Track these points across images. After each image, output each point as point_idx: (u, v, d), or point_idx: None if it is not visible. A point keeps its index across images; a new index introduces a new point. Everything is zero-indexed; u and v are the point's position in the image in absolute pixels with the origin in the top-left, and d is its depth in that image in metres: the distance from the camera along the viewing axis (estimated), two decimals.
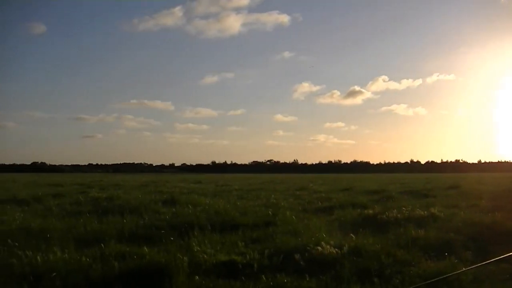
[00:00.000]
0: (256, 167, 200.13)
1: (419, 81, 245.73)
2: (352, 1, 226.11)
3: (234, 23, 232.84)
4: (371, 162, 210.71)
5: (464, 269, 6.72)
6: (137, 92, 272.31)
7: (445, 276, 6.24)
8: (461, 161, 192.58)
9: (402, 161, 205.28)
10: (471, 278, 6.64)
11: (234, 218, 13.09)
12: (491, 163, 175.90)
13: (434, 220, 12.32)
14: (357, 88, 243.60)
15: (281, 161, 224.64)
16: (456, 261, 7.72)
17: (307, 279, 6.87)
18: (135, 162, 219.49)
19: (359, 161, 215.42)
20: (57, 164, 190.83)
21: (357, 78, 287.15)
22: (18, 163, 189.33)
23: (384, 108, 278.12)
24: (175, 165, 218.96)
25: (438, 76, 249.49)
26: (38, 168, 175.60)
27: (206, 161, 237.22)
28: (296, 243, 9.05)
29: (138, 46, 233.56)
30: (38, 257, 7.66)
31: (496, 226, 10.89)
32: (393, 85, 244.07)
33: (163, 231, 10.78)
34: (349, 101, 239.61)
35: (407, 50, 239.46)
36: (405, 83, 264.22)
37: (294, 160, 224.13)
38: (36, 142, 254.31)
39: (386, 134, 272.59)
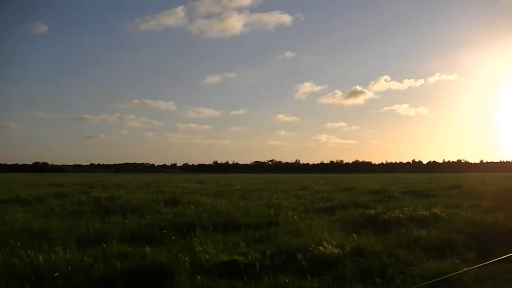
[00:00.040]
0: (258, 167, 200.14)
1: (421, 81, 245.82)
2: (354, 1, 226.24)
3: (236, 23, 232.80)
4: (373, 162, 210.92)
5: (466, 269, 6.71)
6: (139, 92, 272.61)
7: (447, 276, 6.23)
8: (463, 161, 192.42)
9: (404, 161, 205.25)
10: (473, 278, 6.64)
11: (236, 218, 13.10)
12: (493, 163, 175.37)
13: (436, 220, 12.30)
14: (359, 88, 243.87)
15: (283, 161, 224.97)
16: (458, 261, 7.71)
17: (309, 279, 6.87)
18: (137, 162, 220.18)
19: (361, 161, 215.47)
20: (59, 164, 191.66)
21: (359, 78, 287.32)
22: (20, 163, 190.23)
23: (386, 108, 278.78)
24: (177, 165, 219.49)
25: (440, 76, 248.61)
26: (40, 168, 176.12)
27: (208, 161, 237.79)
28: (298, 243, 9.05)
29: (140, 46, 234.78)
30: (40, 257, 7.68)
31: (498, 226, 10.87)
32: (395, 85, 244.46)
33: (165, 231, 10.78)
34: (351, 101, 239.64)
35: (409, 50, 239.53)
36: (407, 83, 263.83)
37: (296, 160, 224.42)
38: (38, 142, 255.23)
39: (388, 134, 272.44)
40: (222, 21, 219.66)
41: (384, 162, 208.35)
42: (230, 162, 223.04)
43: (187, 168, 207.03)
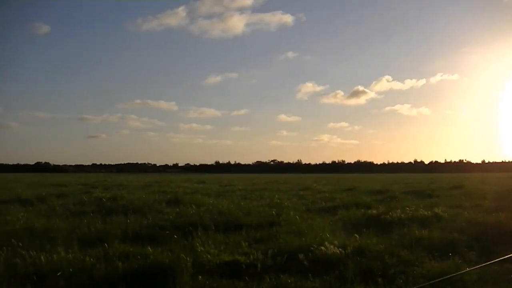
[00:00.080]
0: (260, 167, 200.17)
1: (422, 81, 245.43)
2: (356, 1, 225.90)
3: (237, 23, 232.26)
4: (375, 162, 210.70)
5: (468, 269, 6.71)
6: (141, 92, 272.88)
7: (449, 276, 6.22)
8: (465, 161, 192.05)
9: (406, 161, 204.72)
10: (475, 278, 6.63)
11: (238, 218, 13.11)
12: (495, 163, 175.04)
13: (438, 220, 12.29)
14: (360, 88, 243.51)
15: (285, 161, 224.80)
16: (460, 261, 7.71)
17: (311, 279, 6.87)
18: (139, 162, 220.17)
19: (362, 161, 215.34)
20: (61, 164, 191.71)
21: (360, 78, 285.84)
22: (22, 163, 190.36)
23: (387, 108, 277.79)
24: (179, 165, 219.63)
25: (442, 76, 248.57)
26: (42, 168, 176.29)
27: (210, 161, 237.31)
28: (300, 243, 9.05)
29: (141, 46, 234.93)
30: (42, 257, 7.69)
31: (500, 226, 10.86)
32: (397, 85, 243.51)
33: (166, 231, 10.79)
34: (353, 101, 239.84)
35: (410, 50, 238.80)
36: (409, 83, 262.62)
37: (298, 160, 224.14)
38: (40, 142, 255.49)
39: (389, 134, 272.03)
40: (223, 21, 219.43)
41: (386, 162, 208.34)
42: (232, 162, 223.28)
43: (189, 168, 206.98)
